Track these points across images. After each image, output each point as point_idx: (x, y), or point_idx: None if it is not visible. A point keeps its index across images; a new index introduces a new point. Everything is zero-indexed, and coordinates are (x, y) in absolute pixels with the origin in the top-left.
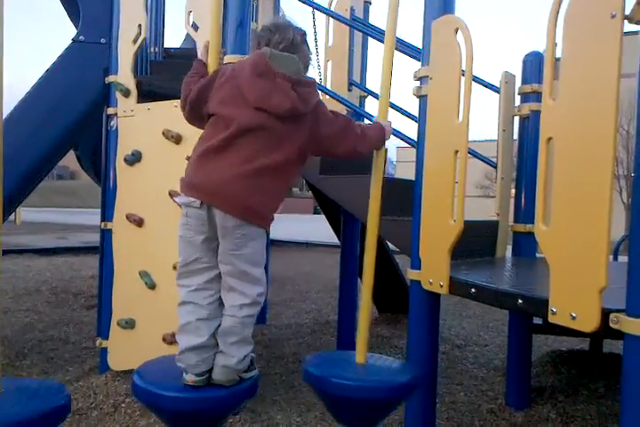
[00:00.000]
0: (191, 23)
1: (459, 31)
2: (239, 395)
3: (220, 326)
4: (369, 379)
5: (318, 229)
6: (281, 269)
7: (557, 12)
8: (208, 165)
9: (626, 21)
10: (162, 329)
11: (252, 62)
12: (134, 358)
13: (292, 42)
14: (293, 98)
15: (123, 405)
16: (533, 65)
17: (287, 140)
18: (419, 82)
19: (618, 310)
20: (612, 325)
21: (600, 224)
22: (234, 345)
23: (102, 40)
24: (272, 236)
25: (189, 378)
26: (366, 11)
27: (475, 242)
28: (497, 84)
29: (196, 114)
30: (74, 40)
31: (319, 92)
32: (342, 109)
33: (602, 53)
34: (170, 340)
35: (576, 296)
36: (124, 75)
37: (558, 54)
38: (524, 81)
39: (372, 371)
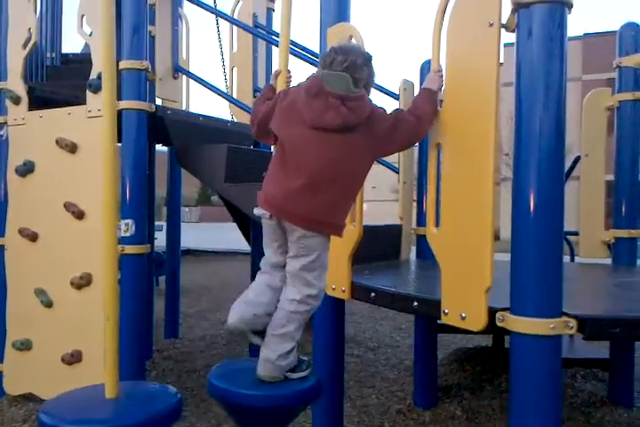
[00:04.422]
0: (84, 27)
1: (352, 38)
2: (159, 420)
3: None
4: (273, 387)
5: (238, 237)
6: (198, 279)
7: (441, 22)
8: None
9: (503, 30)
10: (60, 349)
11: (307, 85)
12: (32, 382)
13: (355, 63)
14: (344, 113)
15: None
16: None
17: (349, 151)
18: None
19: (503, 309)
20: (498, 323)
21: (484, 226)
22: (275, 338)
23: None
24: (188, 245)
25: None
26: (269, 17)
27: (379, 246)
28: (396, 92)
29: (262, 132)
30: None
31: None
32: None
33: (481, 60)
34: (69, 360)
35: (464, 297)
36: (14, 81)
37: None
38: None
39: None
